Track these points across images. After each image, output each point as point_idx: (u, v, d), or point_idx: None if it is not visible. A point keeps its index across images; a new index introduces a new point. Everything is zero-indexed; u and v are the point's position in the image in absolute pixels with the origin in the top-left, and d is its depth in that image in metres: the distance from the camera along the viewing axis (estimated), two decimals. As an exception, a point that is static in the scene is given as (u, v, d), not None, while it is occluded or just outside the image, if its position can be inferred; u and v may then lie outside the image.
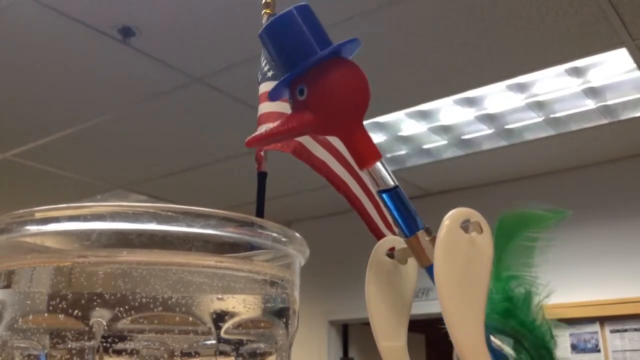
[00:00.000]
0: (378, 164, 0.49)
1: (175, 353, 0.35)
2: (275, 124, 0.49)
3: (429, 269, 0.47)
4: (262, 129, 0.90)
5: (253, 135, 0.50)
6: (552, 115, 3.08)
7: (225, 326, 0.36)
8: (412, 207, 0.50)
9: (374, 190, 0.95)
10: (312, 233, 4.45)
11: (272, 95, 0.50)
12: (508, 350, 0.71)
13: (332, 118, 0.48)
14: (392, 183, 0.49)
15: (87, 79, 2.77)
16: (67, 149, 3.53)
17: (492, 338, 0.59)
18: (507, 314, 0.74)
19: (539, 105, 2.99)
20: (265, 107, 0.92)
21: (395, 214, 0.50)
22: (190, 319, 0.35)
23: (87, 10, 2.28)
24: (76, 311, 0.34)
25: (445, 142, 3.42)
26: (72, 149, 3.54)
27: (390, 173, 0.50)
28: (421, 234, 0.48)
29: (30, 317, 0.35)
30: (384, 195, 0.50)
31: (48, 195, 4.30)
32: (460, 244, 0.44)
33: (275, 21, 0.49)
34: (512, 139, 3.35)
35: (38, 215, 0.37)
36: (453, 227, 0.44)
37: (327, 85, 0.48)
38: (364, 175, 0.94)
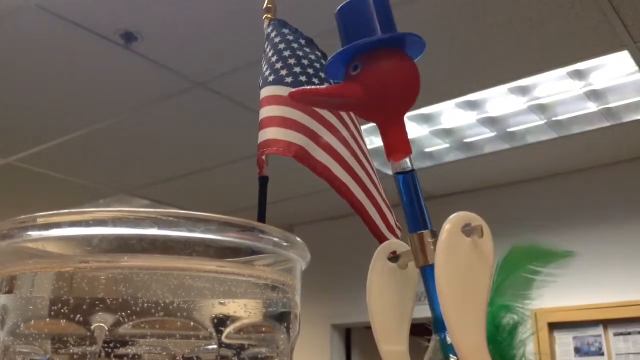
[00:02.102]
0: (407, 159, 0.50)
1: (177, 358, 0.35)
2: (325, 85, 0.51)
3: (424, 270, 0.48)
4: (263, 135, 0.90)
5: (300, 89, 0.52)
6: (554, 119, 3.08)
7: (227, 331, 0.36)
8: (425, 205, 0.50)
9: (376, 193, 0.95)
10: (314, 237, 4.44)
11: (328, 67, 0.52)
12: None
13: (377, 102, 0.50)
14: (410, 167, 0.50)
15: (90, 84, 2.78)
16: (70, 154, 3.54)
17: None
18: (490, 339, 0.74)
19: (541, 109, 2.99)
20: (267, 111, 0.92)
21: (407, 202, 0.50)
22: (192, 324, 0.35)
23: (90, 16, 2.29)
24: (78, 316, 0.34)
25: (447, 145, 3.42)
26: (74, 154, 3.55)
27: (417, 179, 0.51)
28: (426, 233, 0.49)
29: (33, 323, 0.35)
30: (399, 177, 0.50)
31: (51, 200, 4.30)
32: (462, 248, 0.44)
33: (347, 4, 0.52)
34: (514, 142, 3.35)
35: (40, 220, 0.37)
36: (454, 232, 0.44)
37: (382, 69, 0.49)
38: (365, 179, 0.94)
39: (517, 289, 0.73)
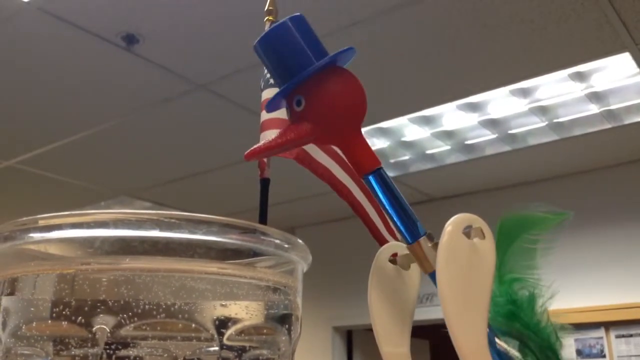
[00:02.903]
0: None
1: (178, 360, 0.35)
2: (273, 136, 0.49)
3: (433, 275, 0.47)
4: (264, 137, 0.90)
5: (252, 148, 0.50)
6: (555, 120, 3.08)
7: (228, 333, 0.36)
8: (410, 209, 0.49)
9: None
10: (315, 239, 4.44)
11: (269, 107, 0.50)
12: (514, 352, 0.71)
13: (330, 128, 0.48)
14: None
15: (91, 85, 2.78)
16: (71, 156, 3.54)
17: (497, 341, 0.59)
18: (512, 316, 0.74)
19: (542, 110, 2.99)
20: (268, 113, 0.92)
21: (388, 205, 0.49)
22: (193, 325, 0.35)
23: (91, 18, 2.29)
24: (79, 318, 0.34)
25: (448, 147, 3.42)
26: (76, 156, 3.55)
27: (390, 179, 0.50)
28: (423, 240, 0.48)
29: (34, 324, 0.35)
30: (369, 178, 0.49)
31: (52, 202, 4.31)
32: (463, 249, 0.44)
33: (269, 33, 0.49)
34: (515, 144, 3.35)
35: (41, 222, 0.37)
36: (455, 233, 0.44)
37: (324, 95, 0.47)
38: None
39: (522, 260, 0.72)
